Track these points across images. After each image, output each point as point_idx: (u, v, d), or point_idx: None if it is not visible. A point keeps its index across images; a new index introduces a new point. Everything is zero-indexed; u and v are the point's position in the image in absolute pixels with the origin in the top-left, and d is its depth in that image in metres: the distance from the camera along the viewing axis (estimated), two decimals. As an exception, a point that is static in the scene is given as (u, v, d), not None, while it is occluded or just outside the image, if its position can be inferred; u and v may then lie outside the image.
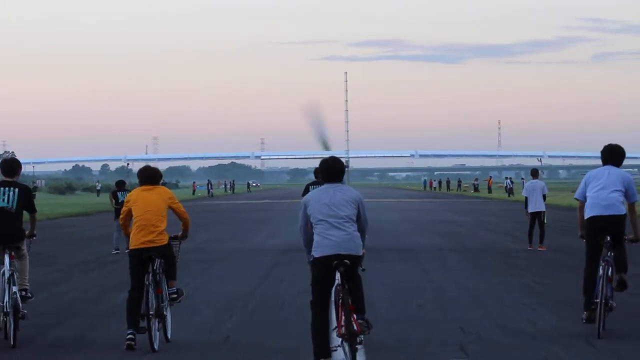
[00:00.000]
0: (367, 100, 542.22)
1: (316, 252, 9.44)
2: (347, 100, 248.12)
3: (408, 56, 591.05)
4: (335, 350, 9.41)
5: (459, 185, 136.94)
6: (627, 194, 11.87)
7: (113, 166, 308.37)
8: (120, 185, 26.33)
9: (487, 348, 10.89)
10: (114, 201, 25.75)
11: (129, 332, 11.01)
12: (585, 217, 11.88)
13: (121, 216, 11.68)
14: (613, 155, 12.08)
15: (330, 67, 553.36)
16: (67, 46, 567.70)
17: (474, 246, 26.96)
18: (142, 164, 12.71)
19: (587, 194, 11.90)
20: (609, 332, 11.53)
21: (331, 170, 9.67)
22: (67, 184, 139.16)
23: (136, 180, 11.86)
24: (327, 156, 9.89)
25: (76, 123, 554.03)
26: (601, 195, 11.76)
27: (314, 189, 22.02)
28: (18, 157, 12.95)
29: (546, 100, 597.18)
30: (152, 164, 12.85)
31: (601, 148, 12.14)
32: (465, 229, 35.89)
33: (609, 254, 11.69)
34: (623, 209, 11.79)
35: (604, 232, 11.71)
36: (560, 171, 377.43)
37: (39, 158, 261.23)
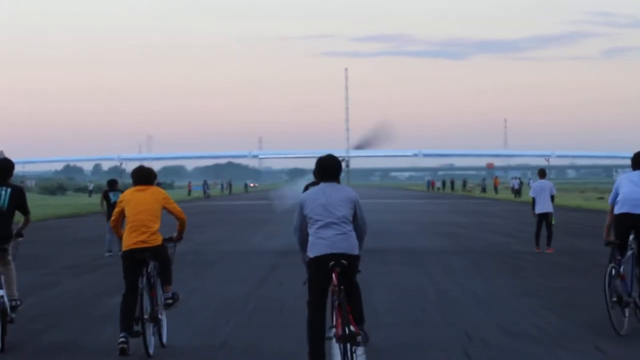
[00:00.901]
0: (369, 98, 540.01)
1: (311, 252, 9.31)
2: (347, 98, 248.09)
3: (411, 52, 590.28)
4: (331, 339, 9.27)
5: (464, 186, 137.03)
6: None
7: (106, 166, 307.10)
8: (112, 185, 25.51)
9: (492, 353, 10.71)
10: (104, 203, 25.16)
11: (121, 335, 10.78)
12: (615, 213, 12.21)
13: (113, 217, 11.44)
14: None
15: (330, 63, 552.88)
16: (58, 43, 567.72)
17: (478, 248, 26.70)
18: (135, 164, 12.62)
19: (619, 192, 12.20)
20: (623, 334, 11.56)
21: (328, 168, 9.50)
22: (58, 184, 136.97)
23: (130, 181, 11.64)
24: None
25: (67, 121, 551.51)
26: (634, 194, 12.06)
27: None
28: (7, 157, 12.75)
29: (554, 97, 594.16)
30: (146, 164, 12.71)
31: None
32: (469, 231, 35.66)
33: (622, 259, 11.84)
34: None
35: (630, 230, 12.00)
36: (569, 171, 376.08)
37: (29, 158, 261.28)
